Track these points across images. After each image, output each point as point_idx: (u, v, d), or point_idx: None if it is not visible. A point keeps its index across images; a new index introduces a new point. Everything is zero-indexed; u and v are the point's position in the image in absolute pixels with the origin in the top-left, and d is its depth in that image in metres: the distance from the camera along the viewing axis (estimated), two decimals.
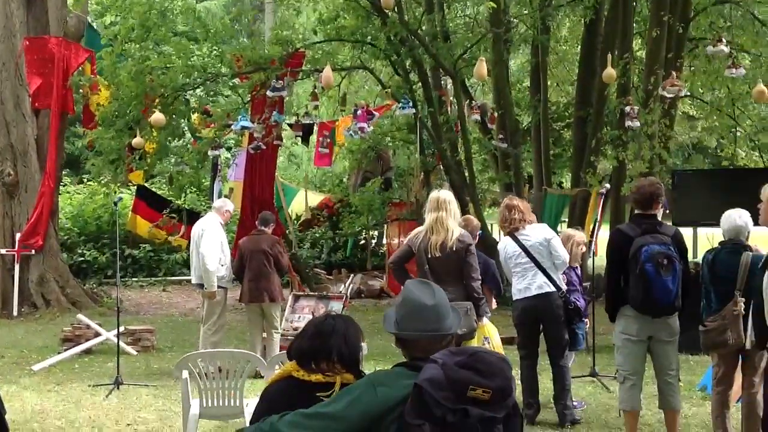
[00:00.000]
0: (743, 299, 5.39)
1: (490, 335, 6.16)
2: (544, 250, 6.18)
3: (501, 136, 12.67)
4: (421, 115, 13.10)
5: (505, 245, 6.41)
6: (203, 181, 16.12)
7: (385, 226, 15.74)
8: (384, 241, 16.92)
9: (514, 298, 6.34)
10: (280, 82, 10.39)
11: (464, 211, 9.63)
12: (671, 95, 9.47)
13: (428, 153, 14.81)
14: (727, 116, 13.33)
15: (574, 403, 6.42)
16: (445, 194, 6.05)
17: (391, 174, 17.70)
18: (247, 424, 4.78)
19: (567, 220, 12.72)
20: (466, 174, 13.36)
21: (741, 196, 8.79)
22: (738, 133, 13.49)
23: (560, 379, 6.22)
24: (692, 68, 12.58)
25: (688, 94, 14.60)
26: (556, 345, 6.26)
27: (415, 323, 2.64)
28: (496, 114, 12.87)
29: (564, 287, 6.29)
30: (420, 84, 13.63)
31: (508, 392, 2.40)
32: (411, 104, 11.43)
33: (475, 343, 5.90)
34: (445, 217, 5.84)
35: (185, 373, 5.31)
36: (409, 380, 2.45)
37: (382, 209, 15.12)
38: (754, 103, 11.73)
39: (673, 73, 9.59)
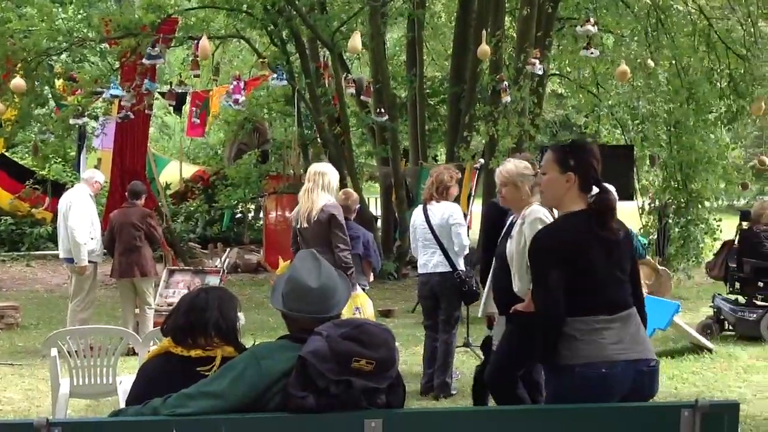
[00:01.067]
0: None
1: (363, 306, 6.21)
2: (444, 231, 6.23)
3: (379, 109, 12.74)
4: (298, 88, 13.00)
5: (415, 217, 6.47)
6: (69, 150, 15.40)
7: (263, 199, 15.56)
8: (261, 214, 16.75)
9: (418, 272, 6.44)
10: (156, 49, 10.02)
11: (342, 184, 9.65)
12: (535, 71, 9.77)
13: (306, 126, 14.73)
14: (591, 95, 13.91)
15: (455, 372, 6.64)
16: (320, 167, 6.06)
17: (269, 147, 17.49)
18: (121, 403, 4.66)
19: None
20: (344, 147, 13.37)
21: (605, 171, 9.27)
22: (601, 112, 14.09)
23: (443, 355, 6.35)
24: (560, 47, 13.01)
25: (557, 72, 15.16)
26: (444, 322, 6.35)
27: (299, 304, 2.63)
28: (372, 88, 12.92)
29: (462, 268, 6.31)
30: (297, 55, 13.50)
31: (391, 363, 2.43)
32: (287, 76, 11.30)
33: (345, 312, 5.95)
34: (312, 188, 5.88)
35: (54, 351, 5.09)
36: (293, 352, 2.44)
37: (259, 182, 14.94)
38: (617, 82, 12.26)
39: (535, 51, 9.88)
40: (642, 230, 12.26)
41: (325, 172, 5.96)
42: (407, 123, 15.49)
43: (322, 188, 5.88)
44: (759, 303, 8.19)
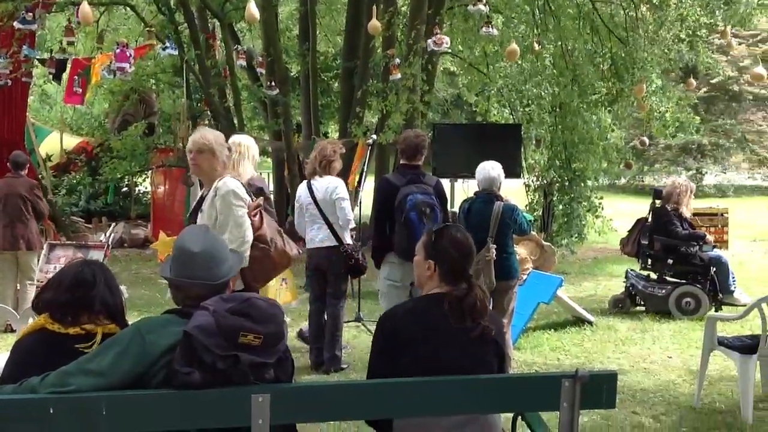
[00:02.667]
0: (495, 245, 5.82)
1: (289, 277, 6.16)
2: (329, 206, 6.22)
3: (270, 83, 12.54)
4: (187, 58, 12.63)
5: (300, 193, 6.42)
6: None
7: (150, 172, 15.09)
8: (149, 188, 16.24)
9: (307, 247, 6.39)
10: (30, 14, 9.48)
11: None
12: (437, 49, 9.84)
13: (195, 98, 14.34)
14: (481, 74, 14.13)
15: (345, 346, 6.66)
16: (243, 138, 5.90)
17: (155, 119, 16.95)
18: None
19: None
20: (235, 121, 13.09)
21: (494, 149, 9.47)
22: (491, 91, 14.35)
23: (331, 328, 6.35)
24: (451, 25, 13.14)
25: (449, 50, 15.32)
26: (331, 296, 6.35)
27: (184, 269, 2.57)
28: (264, 60, 12.69)
29: (349, 242, 6.32)
30: (186, 25, 13.10)
31: (279, 337, 2.40)
32: (174, 46, 10.94)
33: (273, 284, 5.89)
34: (238, 160, 5.73)
35: None
36: (179, 327, 2.38)
37: (146, 155, 14.46)
38: (506, 62, 12.49)
39: (432, 27, 9.95)
40: (528, 207, 12.63)
41: (249, 144, 5.81)
42: (300, 97, 15.32)
43: (247, 160, 5.76)
44: (669, 279, 8.50)
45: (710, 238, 8.67)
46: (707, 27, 11.47)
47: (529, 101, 12.13)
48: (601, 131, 12.56)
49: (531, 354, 6.85)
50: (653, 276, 8.64)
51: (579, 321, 7.89)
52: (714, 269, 8.24)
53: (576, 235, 12.79)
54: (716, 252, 8.54)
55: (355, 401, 2.42)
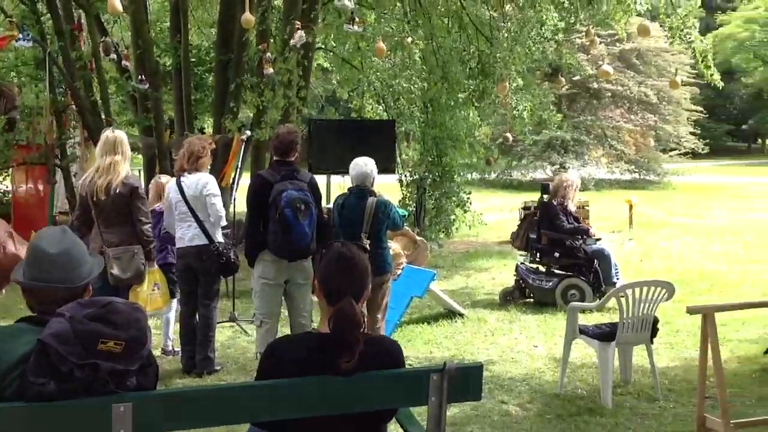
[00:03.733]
0: (368, 241, 5.87)
1: (161, 282, 5.96)
2: (199, 203, 6.11)
3: (140, 77, 12.13)
4: (50, 50, 12.05)
5: (169, 190, 6.27)
6: None
7: (10, 170, 14.28)
8: (10, 187, 15.38)
9: (176, 246, 6.25)
10: None
11: None
12: (295, 44, 9.81)
13: (60, 92, 13.70)
14: (355, 70, 14.20)
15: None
16: (120, 135, 5.69)
17: (16, 113, 16.05)
18: None
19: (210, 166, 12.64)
20: (103, 116, 12.60)
21: (369, 145, 9.55)
22: (364, 87, 14.43)
23: (203, 329, 6.24)
24: (325, 21, 13.12)
25: (322, 46, 15.30)
26: (203, 296, 6.25)
27: (39, 273, 2.44)
28: (128, 53, 12.26)
29: (220, 240, 6.24)
30: (49, 16, 12.50)
31: (142, 343, 2.33)
32: (30, 37, 10.41)
33: (144, 289, 5.71)
34: (120, 161, 5.59)
35: None
36: (33, 336, 2.26)
37: (6, 152, 13.67)
38: (377, 58, 12.58)
39: (298, 23, 9.91)
40: (401, 202, 12.81)
41: (124, 140, 5.64)
42: (172, 92, 14.90)
43: (123, 158, 5.59)
44: (556, 272, 8.78)
45: (594, 231, 9.01)
46: (568, 27, 11.95)
47: (400, 96, 12.28)
48: (469, 128, 12.88)
49: (404, 348, 6.81)
50: (542, 269, 8.91)
51: (451, 314, 8.08)
52: (597, 261, 8.58)
53: (444, 229, 13.08)
54: (599, 245, 8.88)
55: (223, 406, 2.38)
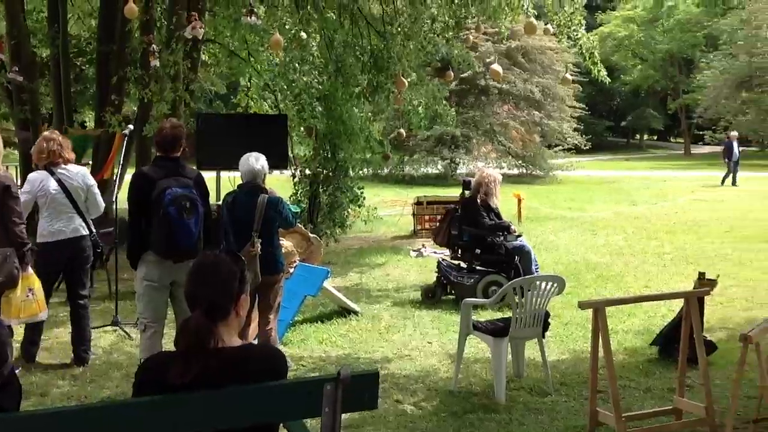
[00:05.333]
0: (260, 240, 5.68)
1: (36, 287, 5.57)
2: (82, 194, 6.03)
3: (14, 68, 11.44)
4: None
5: (42, 179, 5.93)
6: None
7: None
8: None
9: (45, 240, 5.95)
10: None
11: None
12: (190, 36, 9.48)
13: None
14: (245, 63, 13.87)
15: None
16: None
17: None
18: None
19: (91, 162, 12.06)
20: None
21: (260, 140, 9.29)
22: (254, 81, 14.12)
23: (80, 319, 6.16)
24: (214, 13, 12.75)
25: (212, 38, 14.87)
26: (81, 287, 6.19)
27: None
28: (4, 43, 11.54)
29: (93, 230, 6.24)
30: None
31: (3, 359, 2.10)
32: None
33: (18, 294, 5.33)
34: None
35: None
36: None
37: None
38: (270, 52, 12.32)
39: (193, 14, 9.59)
40: (293, 198, 12.61)
41: None
42: (50, 84, 14.15)
43: None
44: (477, 268, 8.72)
45: (515, 228, 9.02)
46: (458, 23, 12.02)
47: (300, 90, 12.05)
48: (363, 123, 12.80)
49: (298, 348, 6.80)
50: (463, 265, 8.86)
51: (345, 311, 7.97)
52: (518, 258, 8.59)
53: (339, 225, 12.97)
54: (520, 241, 8.88)
55: (95, 425, 2.18)
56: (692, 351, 4.68)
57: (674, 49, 51.07)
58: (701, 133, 47.32)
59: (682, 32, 50.21)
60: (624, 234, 14.02)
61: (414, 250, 12.22)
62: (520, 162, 28.73)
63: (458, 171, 27.70)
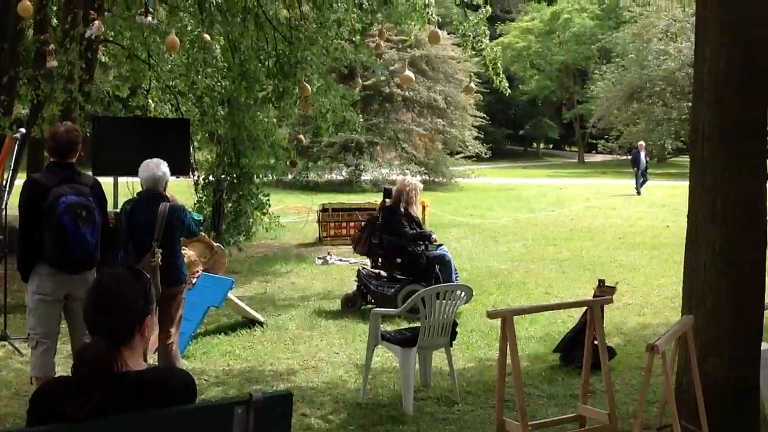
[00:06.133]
0: (161, 250, 5.47)
1: None
2: None
3: None
4: None
5: None
6: None
7: None
8: None
9: None
10: None
11: None
12: (91, 35, 9.12)
13: None
14: (145, 65, 13.45)
15: None
16: None
17: None
18: None
19: None
20: None
21: (160, 145, 9.02)
22: (154, 84, 13.71)
23: None
24: (112, 13, 12.30)
25: (110, 39, 14.36)
26: None
27: None
28: None
29: None
30: None
31: None
32: None
33: None
34: None
35: None
36: None
37: None
38: (171, 54, 11.99)
39: (93, 12, 9.24)
40: (196, 206, 12.31)
41: None
42: None
43: None
44: (398, 277, 8.62)
45: (435, 237, 8.97)
46: (365, 29, 12.01)
47: (202, 93, 11.74)
48: (268, 128, 12.62)
49: (201, 362, 6.61)
50: (383, 274, 8.75)
51: (250, 322, 7.80)
52: (438, 267, 8.55)
53: (244, 232, 12.74)
54: (441, 250, 8.84)
55: None
56: (593, 357, 4.78)
57: (570, 60, 52.85)
58: (595, 142, 49.12)
59: (578, 44, 52.01)
60: (524, 241, 14.33)
61: (319, 258, 12.12)
62: (423, 169, 29.01)
63: (363, 177, 27.77)
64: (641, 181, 25.09)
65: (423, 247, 8.62)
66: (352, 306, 8.58)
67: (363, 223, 9.35)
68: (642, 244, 13.78)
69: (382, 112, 28.78)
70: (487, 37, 10.65)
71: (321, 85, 11.19)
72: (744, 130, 4.21)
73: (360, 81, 13.24)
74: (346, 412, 5.44)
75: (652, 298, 9.21)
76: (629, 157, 43.39)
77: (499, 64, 10.91)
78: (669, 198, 23.24)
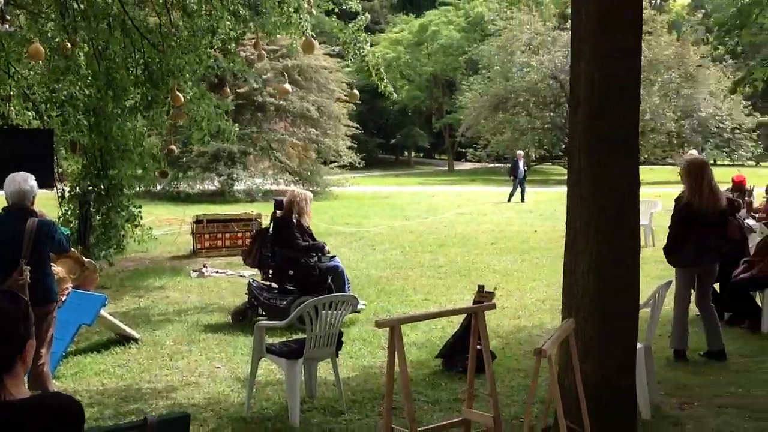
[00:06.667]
0: (29, 267, 5.20)
1: None
2: None
3: None
4: None
5: None
6: None
7: None
8: None
9: None
10: None
11: None
12: None
13: None
14: (2, 72, 12.71)
15: None
16: None
17: None
18: None
19: None
20: None
21: (22, 157, 8.54)
22: (12, 92, 12.98)
23: None
24: None
25: None
26: None
27: None
28: None
29: None
30: None
31: None
32: None
33: None
34: None
35: None
36: None
37: None
38: (30, 60, 11.38)
39: None
40: (62, 219, 11.74)
41: None
42: None
43: None
44: (290, 289, 8.39)
45: (328, 248, 8.84)
46: (237, 38, 11.81)
47: (64, 103, 11.18)
48: (137, 138, 12.20)
49: (73, 381, 6.30)
50: (275, 286, 8.54)
51: (124, 339, 7.51)
52: (331, 278, 8.44)
53: (115, 246, 12.25)
54: (333, 262, 8.71)
55: None
56: (476, 362, 4.88)
57: (438, 71, 54.17)
58: (464, 150, 50.44)
59: (445, 56, 53.37)
60: (401, 248, 14.51)
61: (194, 271, 11.81)
62: (296, 178, 28.89)
63: (236, 187, 27.35)
64: (520, 189, 25.68)
65: (316, 259, 8.51)
66: (243, 319, 8.40)
67: (252, 235, 9.14)
68: (513, 249, 14.25)
69: (255, 122, 28.45)
70: (368, 44, 10.71)
71: (194, 94, 10.90)
72: (617, 141, 4.43)
73: (229, 90, 13.01)
74: (230, 427, 5.32)
75: (525, 301, 9.53)
76: (500, 165, 44.84)
77: (382, 70, 10.96)
78: (535, 204, 24.21)
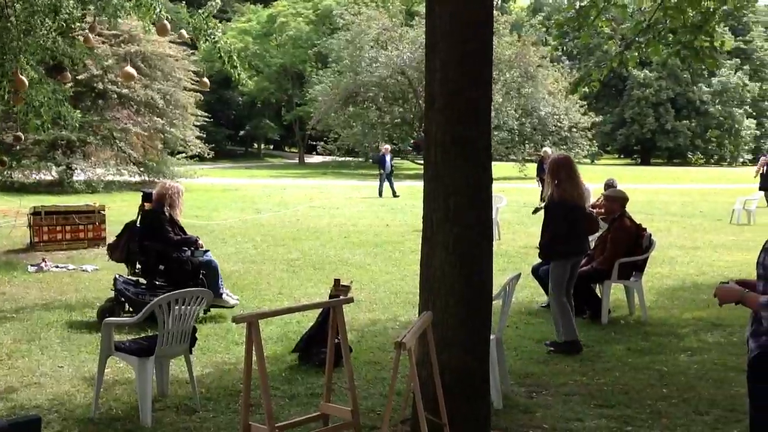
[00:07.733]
0: None
1: None
2: None
3: None
4: None
5: None
6: None
7: None
8: None
9: None
10: None
11: None
12: None
13: None
14: None
15: None
16: None
17: None
18: None
19: None
20: None
21: None
22: None
23: None
24: None
25: None
26: None
27: None
28: None
29: None
30: None
31: None
32: None
33: None
34: None
35: None
36: None
37: None
38: None
39: None
40: None
41: None
42: None
43: None
44: (159, 284, 7.96)
45: (202, 242, 8.48)
46: (77, 20, 11.20)
47: None
48: None
49: None
50: (143, 281, 8.10)
51: None
52: (204, 272, 8.09)
53: None
54: (207, 256, 8.34)
55: None
56: (333, 355, 4.90)
57: (288, 63, 53.85)
58: (314, 143, 50.51)
59: (295, 48, 53.19)
60: (253, 242, 14.33)
61: (33, 265, 11.14)
62: (141, 169, 27.86)
63: (75, 178, 26.04)
64: (389, 183, 25.57)
65: (189, 253, 8.22)
66: (110, 315, 7.98)
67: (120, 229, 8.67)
68: (366, 243, 14.40)
69: (96, 110, 27.09)
70: (220, 31, 10.43)
71: (32, 79, 10.24)
72: (472, 137, 4.56)
73: (69, 75, 12.30)
74: (77, 429, 5.06)
75: (379, 294, 9.65)
76: (350, 159, 45.25)
77: (235, 57, 10.69)
78: (387, 198, 24.58)
